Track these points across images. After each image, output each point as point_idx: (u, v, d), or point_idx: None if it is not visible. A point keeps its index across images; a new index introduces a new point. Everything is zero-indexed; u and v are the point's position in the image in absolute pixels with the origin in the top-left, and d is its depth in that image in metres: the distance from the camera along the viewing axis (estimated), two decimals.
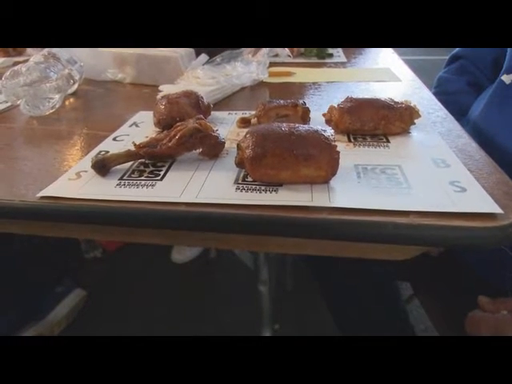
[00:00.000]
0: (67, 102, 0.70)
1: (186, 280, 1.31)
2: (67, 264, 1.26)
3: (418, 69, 0.87)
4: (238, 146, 0.40)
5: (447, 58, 0.89)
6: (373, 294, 0.75)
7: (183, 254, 1.39)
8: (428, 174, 0.40)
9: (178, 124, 0.45)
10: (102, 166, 0.41)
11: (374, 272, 0.71)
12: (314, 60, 0.95)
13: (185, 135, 0.42)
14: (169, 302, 1.22)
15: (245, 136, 0.40)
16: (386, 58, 0.96)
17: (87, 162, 0.43)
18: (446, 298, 0.71)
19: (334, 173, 0.38)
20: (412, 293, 0.96)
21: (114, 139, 0.52)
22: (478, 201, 0.35)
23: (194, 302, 1.22)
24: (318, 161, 0.37)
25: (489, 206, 0.34)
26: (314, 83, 0.76)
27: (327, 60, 0.95)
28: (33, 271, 1.11)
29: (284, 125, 0.39)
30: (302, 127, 0.39)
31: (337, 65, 0.91)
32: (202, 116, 0.46)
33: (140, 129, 0.55)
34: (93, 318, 1.15)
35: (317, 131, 0.39)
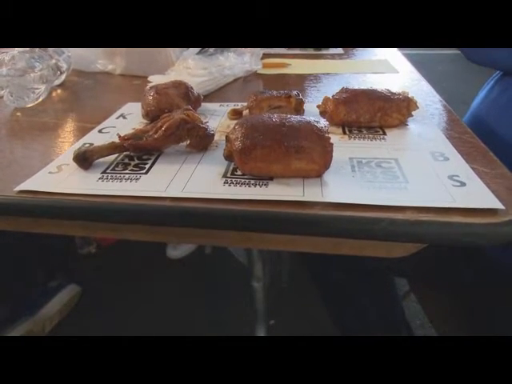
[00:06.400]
0: (54, 94, 0.68)
1: (180, 275, 1.30)
2: (62, 259, 1.24)
3: (417, 62, 0.85)
4: (227, 137, 0.38)
5: (450, 54, 0.86)
6: (369, 291, 0.74)
7: (178, 249, 1.38)
8: (426, 167, 0.38)
9: (164, 115, 0.43)
10: (84, 159, 0.39)
11: (371, 268, 0.69)
12: (310, 51, 0.93)
13: (171, 127, 0.40)
14: (163, 298, 1.21)
15: (234, 127, 0.38)
16: (384, 50, 0.94)
17: (69, 154, 0.41)
18: (444, 293, 0.70)
19: (327, 166, 0.36)
20: (408, 289, 0.95)
21: (100, 131, 0.50)
22: (478, 196, 0.33)
23: (189, 298, 1.21)
24: (310, 153, 0.35)
25: (489, 201, 0.32)
26: (309, 75, 0.74)
27: (324, 51, 0.93)
28: (25, 266, 1.09)
29: (275, 115, 0.37)
30: (294, 118, 0.37)
31: (334, 56, 0.89)
32: (190, 107, 0.44)
33: (127, 120, 0.53)
34: (86, 314, 1.13)
35: (309, 122, 0.37)
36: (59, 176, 0.39)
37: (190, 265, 1.34)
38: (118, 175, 0.38)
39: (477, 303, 0.63)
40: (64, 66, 0.69)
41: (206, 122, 0.44)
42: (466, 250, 0.61)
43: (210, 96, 0.63)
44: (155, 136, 0.41)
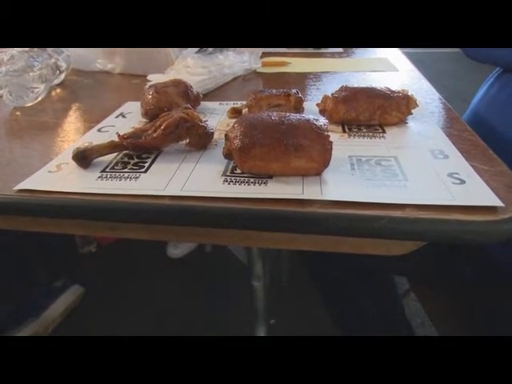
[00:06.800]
0: (53, 93, 0.68)
1: (180, 274, 1.30)
2: (64, 258, 1.24)
3: (417, 60, 0.85)
4: (226, 136, 0.38)
5: (450, 52, 0.86)
6: (369, 290, 0.74)
7: (179, 247, 1.38)
8: (425, 165, 0.38)
9: (163, 114, 0.43)
10: (83, 158, 0.39)
11: (370, 267, 0.69)
12: (310, 50, 0.93)
13: (170, 125, 0.40)
14: (163, 297, 1.21)
15: (233, 126, 0.38)
16: (384, 49, 0.94)
17: (69, 153, 0.41)
18: (443, 292, 0.70)
19: (326, 164, 0.36)
20: (408, 287, 0.95)
21: (99, 130, 0.50)
22: (478, 193, 0.33)
23: (189, 297, 1.21)
24: (309, 151, 0.35)
25: (489, 198, 0.32)
26: (309, 73, 0.74)
27: (323, 50, 0.93)
28: (28, 266, 1.09)
29: (274, 114, 0.37)
30: (294, 116, 0.37)
31: (333, 54, 0.89)
32: (189, 105, 0.44)
33: (127, 119, 0.53)
34: (86, 313, 1.13)
35: (308, 120, 0.37)
36: (58, 175, 0.39)
37: (190, 264, 1.34)
38: (118, 174, 0.38)
39: (477, 301, 0.63)
40: (63, 66, 0.69)
41: (205, 121, 0.44)
42: (466, 248, 0.61)
43: (210, 95, 0.63)
44: (154, 135, 0.41)
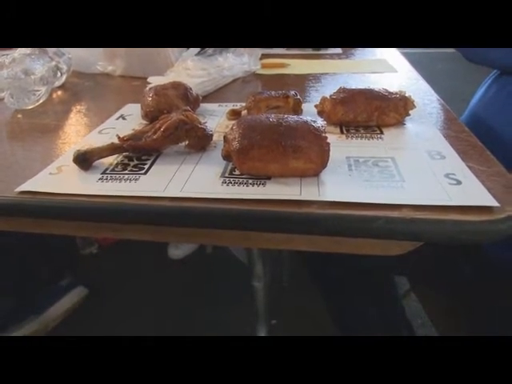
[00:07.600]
0: (54, 95, 0.68)
1: (181, 275, 1.30)
2: (67, 259, 1.25)
3: (416, 61, 0.85)
4: (225, 137, 0.38)
5: (450, 52, 0.86)
6: (369, 290, 0.74)
7: (180, 248, 1.38)
8: (422, 166, 0.38)
9: (163, 116, 0.43)
10: (84, 160, 0.39)
11: (370, 267, 0.70)
12: (309, 51, 0.93)
13: (170, 127, 0.41)
14: (164, 298, 1.21)
15: (231, 127, 0.38)
16: (383, 50, 0.94)
17: (69, 155, 0.41)
18: (443, 291, 0.70)
19: (324, 165, 0.37)
20: (408, 287, 0.96)
21: (100, 132, 0.50)
22: (474, 194, 0.33)
23: (190, 297, 1.21)
24: (307, 153, 0.36)
25: (485, 199, 0.32)
26: (308, 75, 0.74)
27: (322, 51, 0.93)
28: (31, 265, 1.09)
29: (272, 115, 0.38)
30: (291, 118, 0.38)
31: (332, 56, 0.89)
32: (188, 107, 0.45)
33: (127, 121, 0.53)
34: (87, 313, 1.14)
35: (306, 122, 0.37)
36: (59, 177, 0.39)
37: (190, 264, 1.35)
38: (118, 176, 0.39)
39: (476, 301, 0.63)
40: (64, 68, 0.69)
41: (204, 123, 0.44)
42: (465, 248, 0.62)
43: (209, 96, 0.63)
44: (154, 137, 0.41)
